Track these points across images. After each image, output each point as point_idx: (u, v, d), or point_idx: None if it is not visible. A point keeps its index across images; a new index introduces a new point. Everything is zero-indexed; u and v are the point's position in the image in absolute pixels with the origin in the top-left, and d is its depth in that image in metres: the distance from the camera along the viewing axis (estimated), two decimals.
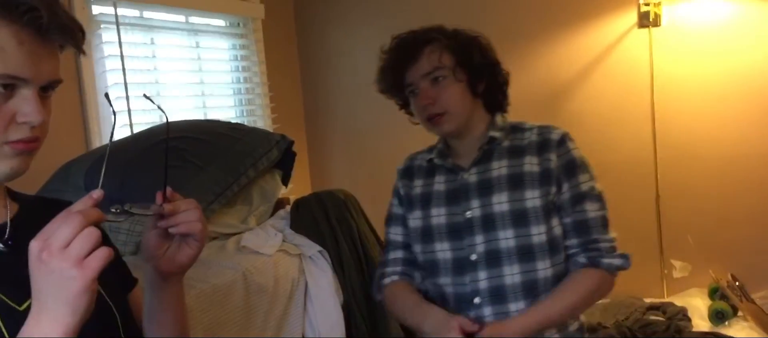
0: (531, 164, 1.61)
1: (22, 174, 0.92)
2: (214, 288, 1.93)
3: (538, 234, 1.57)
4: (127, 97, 2.62)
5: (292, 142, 2.50)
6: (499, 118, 1.72)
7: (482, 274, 1.59)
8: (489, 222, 1.59)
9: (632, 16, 3.19)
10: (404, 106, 1.74)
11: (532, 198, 1.58)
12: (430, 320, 1.58)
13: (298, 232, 2.35)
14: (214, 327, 1.87)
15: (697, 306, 2.98)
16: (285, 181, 2.59)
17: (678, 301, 3.08)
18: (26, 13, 0.85)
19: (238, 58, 3.39)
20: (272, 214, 2.51)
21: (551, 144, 1.63)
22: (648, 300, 3.15)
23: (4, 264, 0.91)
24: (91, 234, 0.78)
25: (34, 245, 0.78)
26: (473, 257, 1.60)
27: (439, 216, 1.66)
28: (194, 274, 1.95)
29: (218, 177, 2.06)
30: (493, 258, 1.59)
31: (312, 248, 2.28)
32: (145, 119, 2.72)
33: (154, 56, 2.88)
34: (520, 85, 3.41)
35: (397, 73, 1.65)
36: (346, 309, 2.29)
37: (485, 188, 1.62)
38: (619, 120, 3.29)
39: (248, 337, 1.97)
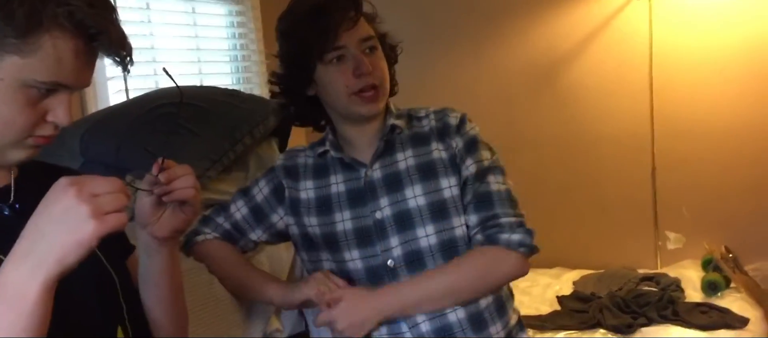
0: (438, 150, 1.47)
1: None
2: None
3: (460, 225, 1.44)
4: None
5: (289, 110, 2.49)
6: (392, 105, 1.53)
7: (404, 280, 1.43)
8: (404, 220, 1.43)
9: None
10: (301, 78, 1.46)
11: (449, 186, 1.44)
12: (275, 285, 1.50)
13: None
14: (210, 298, 1.87)
15: (691, 278, 3.00)
16: (282, 149, 2.58)
17: (671, 272, 3.10)
18: (95, 35, 0.88)
19: (235, 25, 3.36)
20: None
21: (451, 128, 1.48)
22: (641, 271, 3.18)
23: (8, 227, 0.92)
24: (121, 199, 0.81)
25: (65, 180, 0.79)
26: (390, 263, 1.44)
27: (343, 221, 1.47)
28: None
29: (214, 143, 2.05)
30: (415, 261, 1.43)
31: None
32: (142, 84, 2.71)
33: (149, 21, 2.85)
34: (517, 56, 3.43)
35: (329, 32, 1.38)
36: None
37: (394, 182, 1.45)
38: (617, 92, 3.28)
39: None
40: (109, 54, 0.91)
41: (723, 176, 3.17)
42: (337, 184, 1.49)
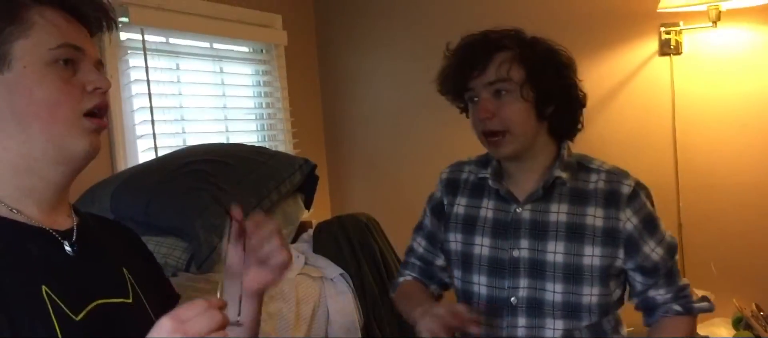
0: (594, 216, 1.44)
1: (95, 155, 1.00)
2: None
3: (588, 295, 1.44)
4: (153, 121, 2.66)
5: (314, 166, 2.53)
6: (565, 151, 1.52)
7: (521, 321, 1.46)
8: (538, 269, 1.44)
9: (653, 44, 3.19)
10: (465, 110, 1.56)
11: (592, 255, 1.43)
12: (419, 309, 1.44)
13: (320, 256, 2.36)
14: None
15: (721, 336, 2.94)
16: (307, 205, 2.61)
17: (701, 331, 3.03)
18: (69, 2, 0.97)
19: (261, 84, 3.44)
20: (295, 238, 2.53)
21: (621, 199, 1.46)
22: None
23: (68, 269, 0.95)
24: (215, 316, 0.82)
25: (168, 322, 0.81)
26: (513, 301, 1.46)
27: (481, 246, 1.50)
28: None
29: (242, 199, 2.08)
30: (536, 308, 1.45)
31: (334, 270, 2.28)
32: (170, 142, 2.77)
33: (178, 81, 2.93)
34: None
35: (459, 78, 1.46)
36: (366, 331, 2.29)
37: (539, 230, 1.45)
38: (641, 148, 3.28)
39: None
40: (91, 19, 0.99)
41: (751, 231, 3.13)
42: (487, 209, 1.52)
